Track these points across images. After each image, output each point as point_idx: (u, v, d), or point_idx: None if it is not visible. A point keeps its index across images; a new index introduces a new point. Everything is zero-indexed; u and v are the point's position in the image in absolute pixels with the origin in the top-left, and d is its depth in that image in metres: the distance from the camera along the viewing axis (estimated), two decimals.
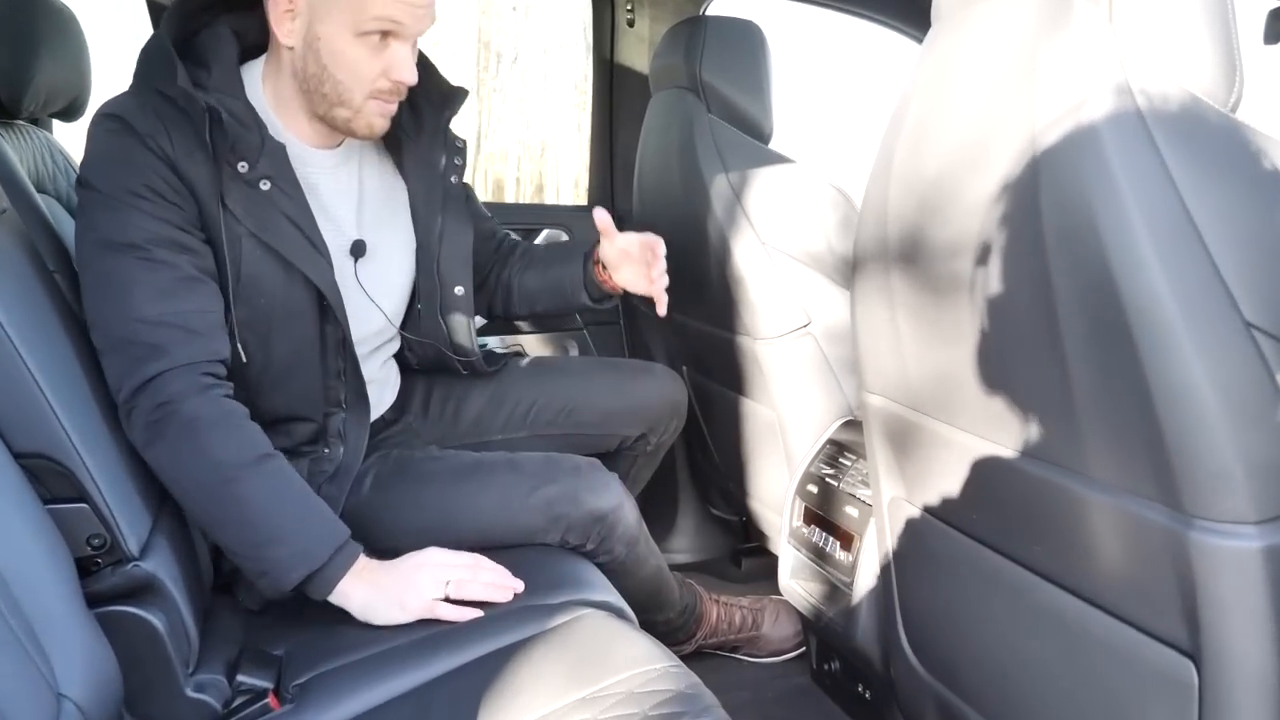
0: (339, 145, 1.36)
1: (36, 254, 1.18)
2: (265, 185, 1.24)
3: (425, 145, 1.46)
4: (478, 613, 1.19)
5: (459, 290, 1.49)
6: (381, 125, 1.30)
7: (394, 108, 1.30)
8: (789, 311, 1.65)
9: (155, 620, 1.10)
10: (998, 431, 1.01)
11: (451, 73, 1.43)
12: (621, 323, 2.33)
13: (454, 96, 1.46)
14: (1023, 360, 0.93)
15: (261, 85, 1.31)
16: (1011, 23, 0.91)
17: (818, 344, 1.66)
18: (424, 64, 1.40)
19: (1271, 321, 0.78)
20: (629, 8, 2.17)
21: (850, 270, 1.66)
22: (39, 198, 1.41)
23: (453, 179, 1.48)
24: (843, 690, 1.63)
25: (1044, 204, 0.85)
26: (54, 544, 0.98)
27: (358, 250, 1.37)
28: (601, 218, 1.46)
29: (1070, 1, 0.85)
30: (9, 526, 0.92)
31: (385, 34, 1.22)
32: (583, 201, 2.56)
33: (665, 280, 1.49)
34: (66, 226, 1.48)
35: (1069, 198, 0.83)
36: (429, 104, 1.44)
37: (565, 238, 2.27)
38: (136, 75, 1.25)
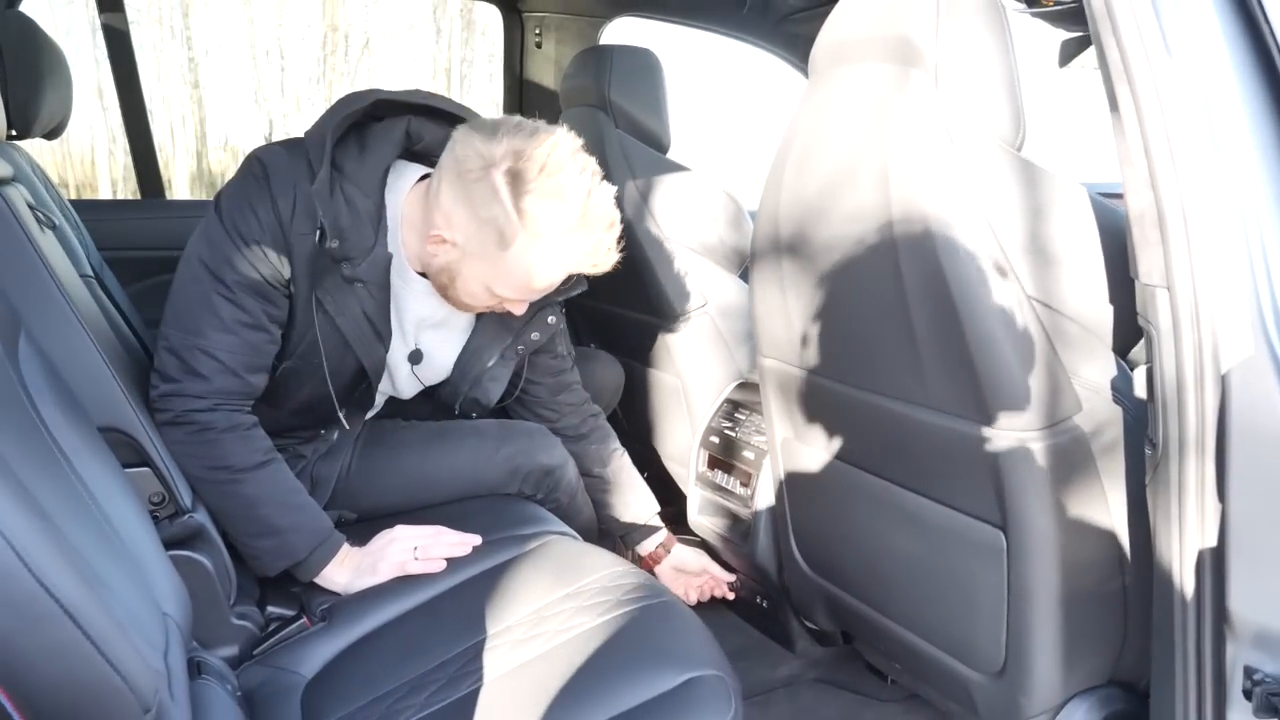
0: None
1: (79, 260, 1.39)
2: (358, 285, 1.38)
3: (518, 319, 1.54)
4: (443, 564, 1.41)
5: (474, 414, 1.68)
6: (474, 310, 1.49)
7: None
8: (689, 294, 1.99)
9: (206, 561, 1.34)
10: (865, 380, 1.37)
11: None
12: None
13: (569, 287, 1.53)
14: (882, 326, 1.29)
15: (405, 196, 1.41)
16: (868, 83, 1.26)
17: (714, 321, 2.00)
18: None
19: (1042, 294, 1.15)
20: (537, 31, 2.46)
21: (739, 260, 2.02)
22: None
23: (519, 348, 1.61)
24: (744, 605, 1.98)
25: (894, 214, 1.20)
26: (137, 501, 1.21)
27: (415, 358, 1.56)
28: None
29: (909, 71, 1.20)
30: (109, 485, 1.15)
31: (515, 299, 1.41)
32: None
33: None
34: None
35: (911, 210, 1.18)
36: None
37: None
38: (308, 132, 1.38)
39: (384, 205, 1.39)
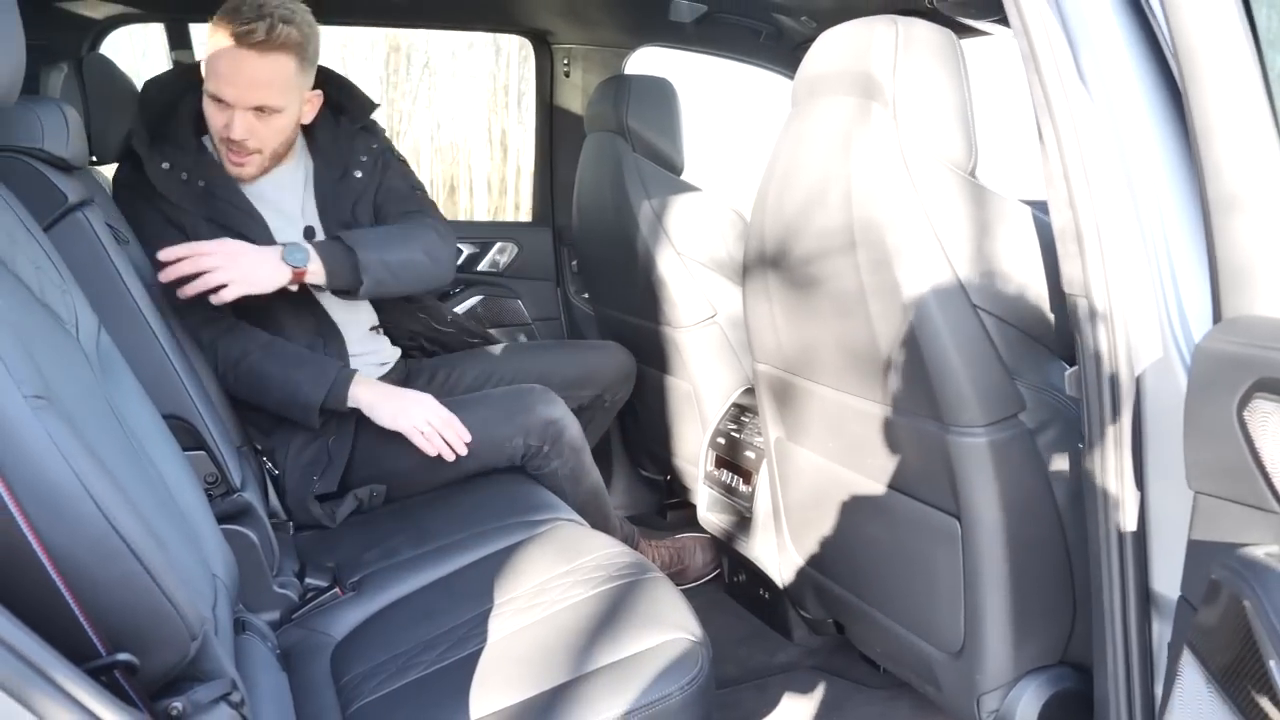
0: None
1: (145, 271, 1.60)
2: (200, 185, 1.72)
3: (336, 154, 1.87)
4: (444, 447, 1.68)
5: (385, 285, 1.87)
6: (237, 172, 1.75)
7: (244, 161, 1.73)
8: (700, 305, 2.14)
9: (252, 535, 1.52)
10: (839, 382, 1.51)
11: (362, 78, 1.88)
12: (562, 318, 2.78)
13: (365, 107, 1.90)
14: (850, 333, 1.43)
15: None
16: (837, 115, 1.40)
17: (722, 330, 2.15)
18: (340, 84, 1.88)
19: (987, 304, 1.28)
20: (565, 62, 2.65)
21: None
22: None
23: (357, 174, 1.87)
24: (748, 595, 2.12)
25: (856, 232, 1.35)
26: (194, 478, 1.39)
27: (309, 234, 1.81)
28: None
29: (870, 105, 1.35)
30: (171, 464, 1.33)
31: (221, 99, 1.66)
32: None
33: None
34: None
35: (871, 229, 1.33)
36: (349, 120, 1.88)
37: (516, 249, 2.73)
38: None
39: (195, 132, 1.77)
